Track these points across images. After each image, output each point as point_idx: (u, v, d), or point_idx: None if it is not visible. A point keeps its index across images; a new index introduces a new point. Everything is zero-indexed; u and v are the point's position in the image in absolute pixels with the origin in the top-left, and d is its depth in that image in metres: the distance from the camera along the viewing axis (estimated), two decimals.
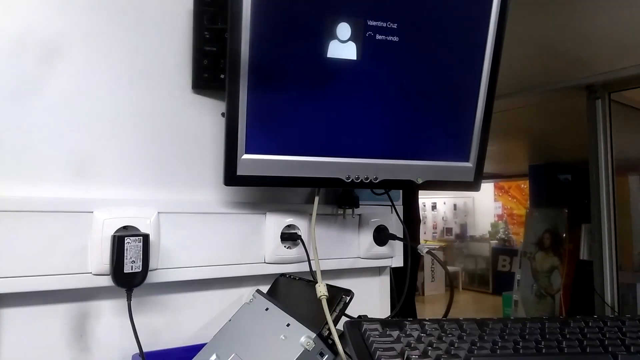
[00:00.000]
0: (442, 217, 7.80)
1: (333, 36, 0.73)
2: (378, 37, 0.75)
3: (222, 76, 0.78)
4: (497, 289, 6.08)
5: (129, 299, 0.67)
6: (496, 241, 7.04)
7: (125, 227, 0.70)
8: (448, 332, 0.58)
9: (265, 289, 0.81)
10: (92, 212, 0.69)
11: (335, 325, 0.64)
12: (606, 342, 0.55)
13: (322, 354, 0.58)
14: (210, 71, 0.78)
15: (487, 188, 7.39)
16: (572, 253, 4.01)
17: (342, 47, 0.74)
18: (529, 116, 3.12)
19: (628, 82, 2.24)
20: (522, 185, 6.88)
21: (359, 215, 0.95)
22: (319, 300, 0.66)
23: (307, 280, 0.78)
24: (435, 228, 7.80)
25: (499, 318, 0.62)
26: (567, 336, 0.57)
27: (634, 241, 2.46)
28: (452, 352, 0.52)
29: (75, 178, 0.71)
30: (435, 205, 7.78)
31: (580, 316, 0.62)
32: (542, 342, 0.55)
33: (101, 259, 0.68)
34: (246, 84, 0.69)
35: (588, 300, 2.44)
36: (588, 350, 0.54)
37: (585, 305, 3.20)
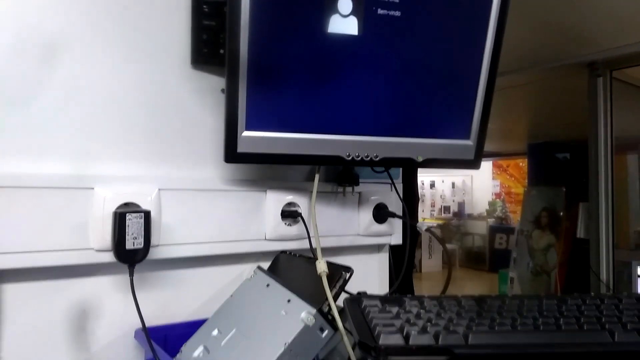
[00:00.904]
0: (441, 195, 7.82)
1: (334, 10, 0.72)
2: (380, 11, 0.74)
3: (221, 51, 0.77)
4: (494, 266, 6.14)
5: (131, 275, 0.67)
6: (493, 219, 7.08)
7: (126, 204, 0.70)
8: (447, 308, 0.59)
9: (265, 265, 0.82)
10: (92, 188, 0.69)
11: (335, 302, 0.64)
12: (603, 320, 0.55)
13: (322, 330, 0.59)
14: (210, 46, 0.77)
15: (486, 166, 7.39)
16: (568, 231, 4.03)
17: (343, 22, 0.73)
18: (529, 94, 3.09)
19: (630, 60, 2.21)
20: (521, 164, 6.88)
21: (359, 193, 0.95)
22: (319, 277, 0.67)
23: (308, 257, 0.79)
24: (434, 206, 7.83)
25: (497, 295, 0.63)
26: (565, 313, 0.57)
27: (631, 220, 2.47)
28: (451, 329, 0.53)
29: (76, 154, 0.71)
30: (434, 184, 7.80)
31: (577, 294, 0.63)
32: (540, 319, 0.55)
33: (103, 235, 0.68)
34: (246, 59, 0.68)
35: (583, 278, 2.46)
36: (585, 328, 0.54)
37: (580, 283, 3.24)
